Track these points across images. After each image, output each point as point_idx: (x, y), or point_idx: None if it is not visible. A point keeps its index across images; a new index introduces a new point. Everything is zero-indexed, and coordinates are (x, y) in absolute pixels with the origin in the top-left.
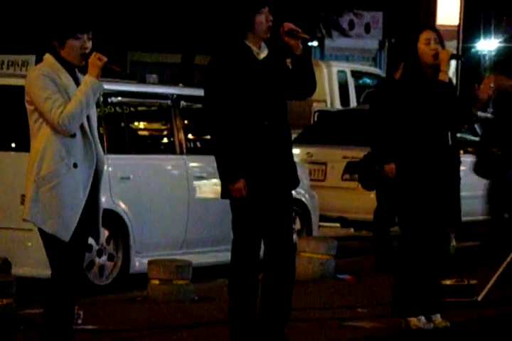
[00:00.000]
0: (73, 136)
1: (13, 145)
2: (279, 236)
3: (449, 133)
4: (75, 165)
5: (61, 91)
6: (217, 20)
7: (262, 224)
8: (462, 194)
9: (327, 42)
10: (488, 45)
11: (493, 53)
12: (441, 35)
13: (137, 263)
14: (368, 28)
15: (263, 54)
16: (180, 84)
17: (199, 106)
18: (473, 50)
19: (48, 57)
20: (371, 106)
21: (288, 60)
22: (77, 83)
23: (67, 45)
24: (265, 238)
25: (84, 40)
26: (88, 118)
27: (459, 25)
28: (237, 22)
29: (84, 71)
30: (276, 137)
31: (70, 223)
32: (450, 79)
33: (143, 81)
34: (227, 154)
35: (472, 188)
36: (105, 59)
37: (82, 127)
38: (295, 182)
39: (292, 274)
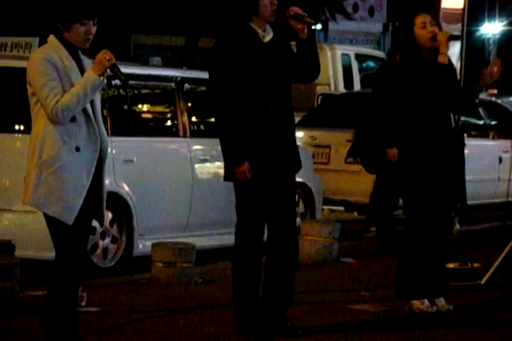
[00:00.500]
0: (73, 119)
1: (16, 127)
2: (283, 219)
3: (452, 116)
4: (78, 149)
5: (61, 76)
6: (221, 3)
7: (266, 207)
8: (466, 177)
9: (331, 25)
10: (492, 29)
11: (497, 37)
12: (437, 17)
13: (141, 246)
14: (371, 11)
15: (268, 37)
16: (184, 67)
17: (203, 89)
18: (477, 33)
19: (52, 39)
20: (373, 89)
21: (293, 44)
22: (80, 65)
23: (72, 29)
24: (269, 221)
25: (89, 25)
26: (92, 101)
27: (463, 9)
28: (242, 5)
29: (87, 54)
30: (281, 120)
31: (73, 206)
32: (450, 62)
33: (146, 64)
34: (232, 137)
35: (476, 172)
36: (113, 60)
37: (85, 111)
38: (297, 166)
39: (295, 257)
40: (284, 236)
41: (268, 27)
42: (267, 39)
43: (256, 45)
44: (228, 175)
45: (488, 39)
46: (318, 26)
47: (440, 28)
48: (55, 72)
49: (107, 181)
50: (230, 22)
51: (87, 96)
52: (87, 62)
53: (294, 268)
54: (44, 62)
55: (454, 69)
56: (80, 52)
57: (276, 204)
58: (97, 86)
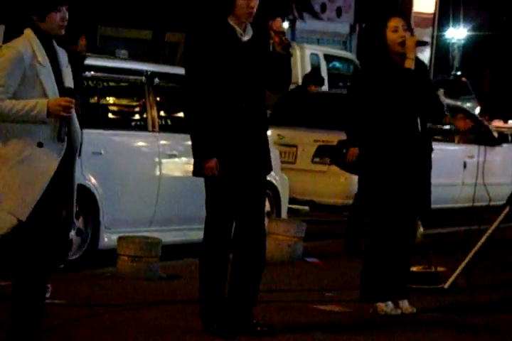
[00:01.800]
0: None
1: None
2: (250, 218)
3: (419, 121)
4: (40, 144)
5: (28, 73)
6: None
7: (234, 205)
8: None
9: (298, 24)
10: (456, 34)
11: (462, 42)
12: (409, 22)
13: (106, 239)
14: (339, 12)
15: (247, 36)
16: (160, 61)
17: (173, 84)
18: (442, 38)
19: (28, 32)
20: (349, 91)
21: (271, 41)
22: (54, 56)
23: (48, 18)
24: (237, 219)
25: (63, 11)
26: None
27: (434, 13)
28: (219, 2)
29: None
30: (253, 119)
31: (27, 201)
32: (423, 66)
33: (113, 56)
34: (202, 132)
35: (441, 176)
36: (72, 110)
37: None
38: (267, 167)
39: (262, 256)
40: (251, 234)
41: (249, 26)
42: (245, 38)
43: (233, 42)
44: (197, 170)
45: (453, 44)
46: (285, 25)
47: (412, 33)
48: (21, 71)
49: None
50: (207, 17)
51: (20, 119)
52: (61, 52)
53: (261, 267)
54: (14, 60)
55: (425, 75)
56: (54, 41)
57: (245, 203)
58: (38, 119)
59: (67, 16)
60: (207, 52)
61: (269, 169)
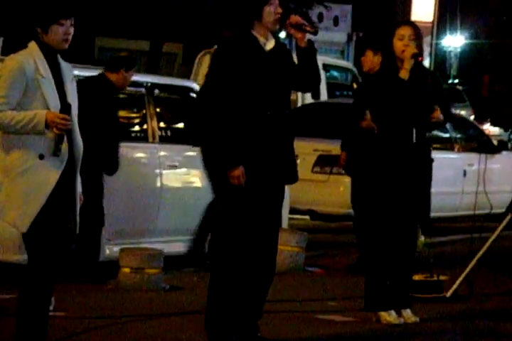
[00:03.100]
0: (46, 126)
1: None
2: (266, 230)
3: (414, 131)
4: (41, 157)
5: (30, 85)
6: (187, 9)
7: (254, 215)
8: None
9: None
10: (453, 42)
11: (459, 50)
12: (419, 31)
13: (108, 251)
14: (336, 21)
15: (270, 45)
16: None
17: (173, 95)
18: (439, 46)
19: (32, 45)
20: (354, 99)
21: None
22: (58, 70)
23: (50, 31)
24: (252, 230)
25: (67, 26)
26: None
27: (432, 22)
28: (246, 11)
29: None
30: (278, 128)
31: (28, 213)
32: (424, 76)
33: None
34: (228, 140)
35: (441, 184)
36: (65, 130)
37: None
38: (293, 177)
39: (272, 269)
40: (264, 247)
41: (270, 35)
42: (268, 47)
43: (257, 52)
44: (218, 184)
45: (450, 52)
46: (282, 34)
47: (419, 43)
48: (23, 82)
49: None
50: (231, 28)
51: (21, 130)
52: (66, 67)
53: (270, 280)
54: (16, 72)
55: (423, 85)
56: (58, 56)
57: (263, 214)
58: (36, 131)
59: (70, 31)
60: (231, 63)
61: (295, 178)
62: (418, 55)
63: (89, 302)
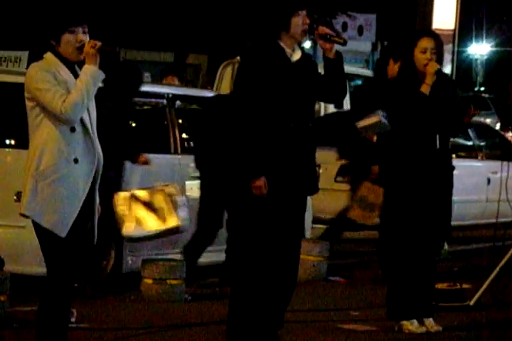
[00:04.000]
0: (73, 130)
1: (7, 142)
2: (289, 240)
3: (438, 138)
4: (76, 161)
5: (61, 85)
6: (212, 20)
7: (277, 226)
8: (455, 198)
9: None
10: (479, 50)
11: (485, 58)
12: (440, 41)
13: (130, 262)
14: (361, 31)
15: (296, 56)
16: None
17: (195, 106)
18: (464, 54)
19: (48, 55)
20: (356, 105)
21: (321, 65)
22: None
23: (62, 40)
24: (274, 241)
25: (78, 33)
26: (88, 113)
27: (454, 30)
28: (273, 21)
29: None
30: (301, 140)
31: (67, 219)
32: (447, 83)
33: None
34: (252, 150)
35: (465, 192)
36: (99, 44)
37: (82, 122)
38: (314, 189)
39: (294, 280)
40: (286, 258)
41: (296, 46)
42: (294, 58)
43: (283, 64)
44: (239, 193)
45: (476, 60)
46: (307, 44)
47: (439, 56)
48: (55, 80)
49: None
50: (258, 39)
51: (90, 90)
52: None
53: (292, 290)
54: (42, 72)
55: (444, 96)
56: (76, 66)
57: (285, 224)
58: (96, 76)
59: (83, 38)
60: (257, 73)
61: (316, 190)
62: (439, 72)
63: (111, 314)
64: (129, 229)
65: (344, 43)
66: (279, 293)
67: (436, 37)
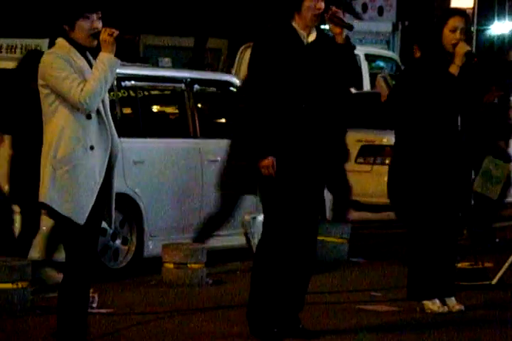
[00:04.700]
0: (89, 117)
1: None
2: (306, 221)
3: (459, 119)
4: (92, 148)
5: (77, 72)
6: (230, 4)
7: (293, 207)
8: None
9: None
10: (502, 28)
11: (507, 35)
12: (469, 19)
13: (151, 247)
14: (381, 11)
15: (311, 37)
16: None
17: (213, 90)
18: (486, 32)
19: (60, 40)
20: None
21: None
22: (90, 65)
23: (76, 26)
24: (292, 222)
25: (93, 19)
26: (102, 100)
27: (473, 8)
28: (285, 3)
29: (95, 54)
30: (313, 120)
31: (85, 206)
32: (472, 70)
33: (156, 64)
34: (260, 130)
35: None
36: (116, 32)
37: (97, 109)
38: (327, 170)
39: (313, 261)
40: (305, 238)
41: (313, 29)
42: (309, 40)
43: (295, 45)
44: (254, 175)
45: (503, 38)
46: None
47: (467, 36)
48: (71, 67)
49: (117, 182)
50: (271, 20)
51: (107, 78)
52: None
53: (311, 272)
54: (58, 59)
55: (467, 80)
56: (88, 53)
57: (302, 205)
58: (113, 65)
59: (97, 25)
60: (269, 55)
61: (329, 171)
62: (473, 56)
63: (133, 299)
64: None
65: (351, 28)
66: (298, 273)
67: (468, 17)
